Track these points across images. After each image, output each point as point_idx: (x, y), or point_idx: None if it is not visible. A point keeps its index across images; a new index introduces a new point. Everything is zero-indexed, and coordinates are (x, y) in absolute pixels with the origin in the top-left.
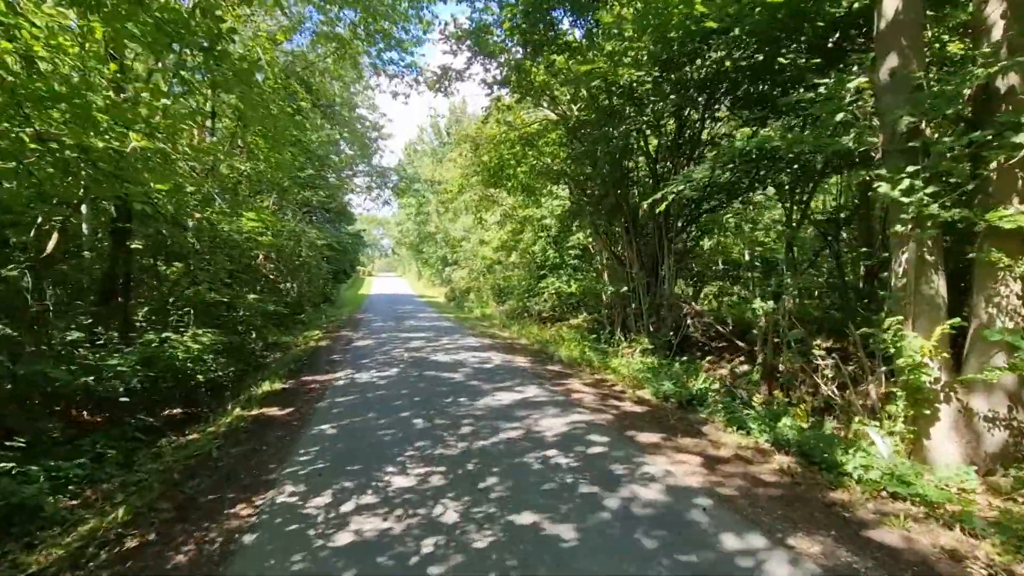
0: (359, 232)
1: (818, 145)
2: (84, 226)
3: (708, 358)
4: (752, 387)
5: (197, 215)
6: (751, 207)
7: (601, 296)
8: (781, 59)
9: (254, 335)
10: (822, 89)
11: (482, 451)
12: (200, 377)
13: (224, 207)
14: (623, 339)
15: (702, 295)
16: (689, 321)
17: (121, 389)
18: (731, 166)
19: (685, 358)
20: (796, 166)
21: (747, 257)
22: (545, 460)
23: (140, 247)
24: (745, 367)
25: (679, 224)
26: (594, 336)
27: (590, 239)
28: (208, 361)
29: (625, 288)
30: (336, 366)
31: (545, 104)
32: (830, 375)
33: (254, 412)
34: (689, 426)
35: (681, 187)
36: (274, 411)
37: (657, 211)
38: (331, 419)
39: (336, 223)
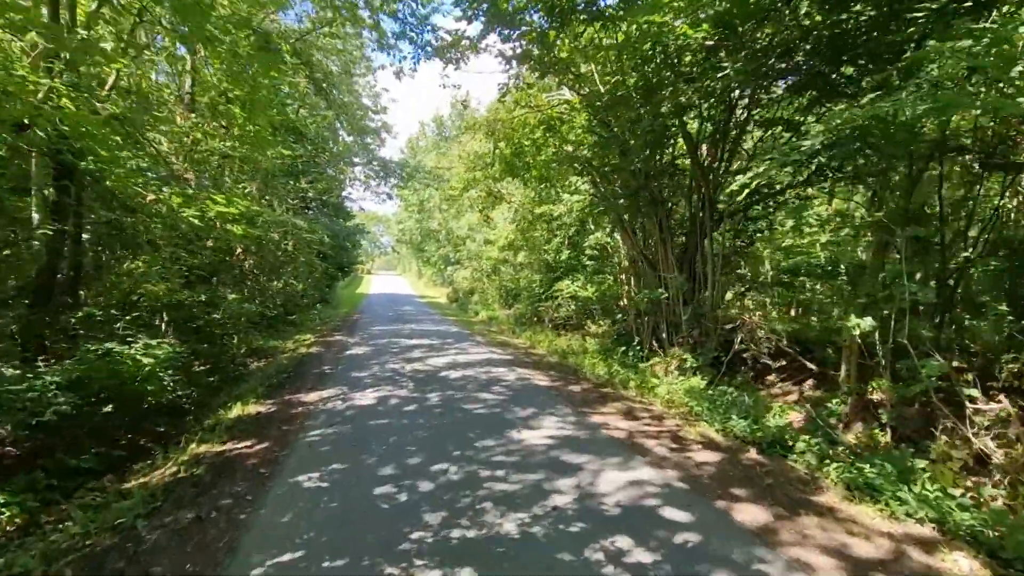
0: (358, 226)
1: (994, 106)
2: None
3: (765, 379)
4: (831, 416)
5: (151, 196)
6: (806, 201)
7: (621, 302)
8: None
9: (236, 340)
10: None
11: (525, 537)
12: (152, 400)
13: (190, 189)
14: (657, 353)
15: (749, 304)
16: (741, 335)
17: (33, 422)
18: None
19: (738, 379)
20: (911, 147)
21: (794, 263)
22: (617, 558)
23: (88, 236)
24: (816, 392)
25: (734, 220)
26: (622, 348)
27: (609, 239)
28: (165, 379)
29: (659, 293)
30: (326, 381)
31: (569, 84)
32: (985, 423)
33: (216, 448)
34: (793, 488)
35: (776, 165)
36: (241, 447)
37: (736, 198)
38: (312, 464)
39: (333, 218)
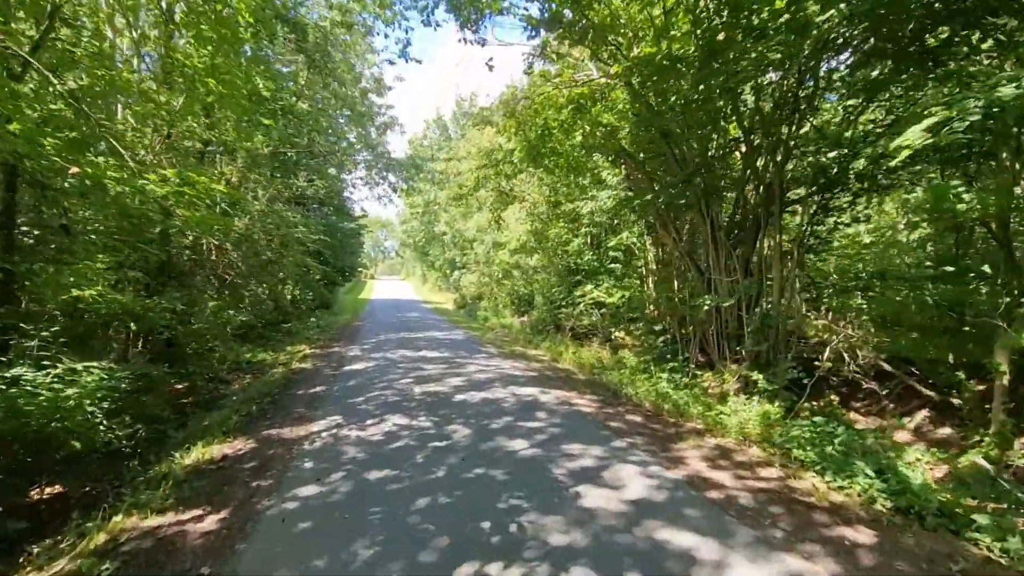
0: (360, 224)
1: None
2: None
3: (853, 406)
4: (974, 454)
5: (75, 168)
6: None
7: (648, 309)
8: None
9: (217, 354)
10: None
11: None
12: (77, 443)
13: (127, 161)
14: (707, 369)
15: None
16: (827, 351)
17: None
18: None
19: (821, 405)
20: None
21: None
22: None
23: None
24: (936, 426)
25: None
26: (669, 366)
27: (637, 239)
28: (97, 414)
29: (720, 300)
30: (318, 407)
31: (604, 56)
32: None
33: (149, 521)
34: None
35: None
36: (186, 520)
37: (893, 160)
38: (282, 559)
39: (332, 218)
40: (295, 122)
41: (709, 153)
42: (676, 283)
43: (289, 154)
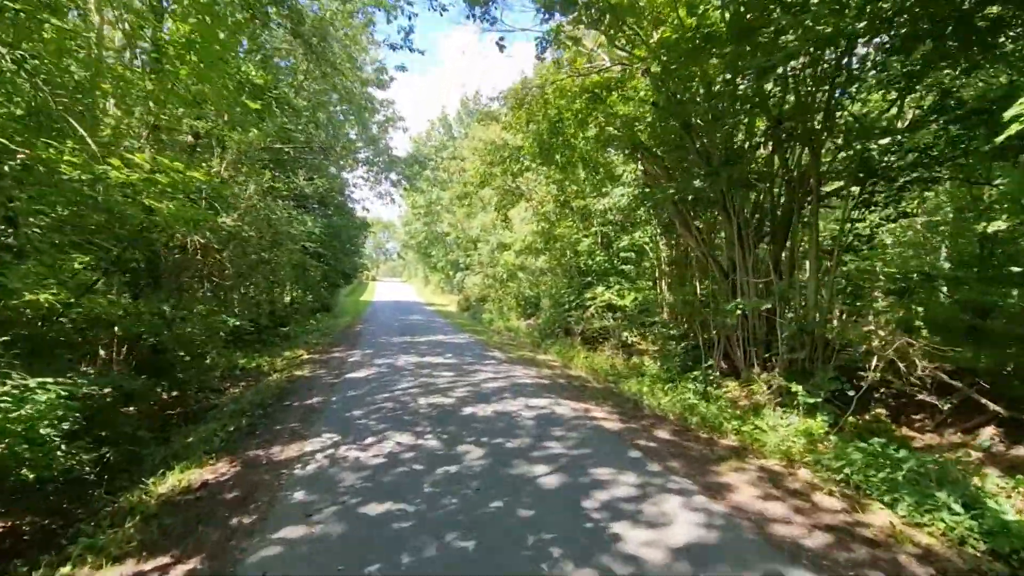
0: (361, 225)
1: None
2: None
3: (905, 421)
4: None
5: (23, 152)
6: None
7: (662, 313)
8: None
9: (208, 361)
10: None
11: None
12: (29, 473)
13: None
14: (733, 378)
15: (863, 316)
16: (875, 360)
17: None
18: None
19: (865, 419)
20: None
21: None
22: None
23: None
24: (1008, 444)
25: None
26: (694, 374)
27: (650, 239)
28: (50, 437)
29: (757, 304)
30: (312, 421)
31: (622, 42)
32: None
33: (104, 573)
34: None
35: None
36: (148, 573)
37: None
38: None
39: (332, 217)
40: (292, 115)
41: (735, 144)
42: (697, 284)
43: (286, 149)
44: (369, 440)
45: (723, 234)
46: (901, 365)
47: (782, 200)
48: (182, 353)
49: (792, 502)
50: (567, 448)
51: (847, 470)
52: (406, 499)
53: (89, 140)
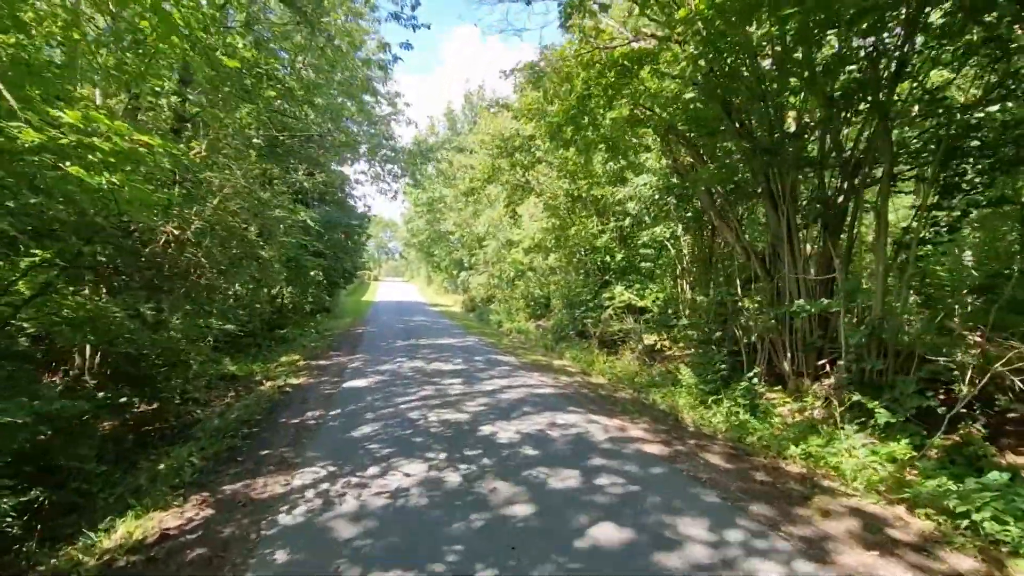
0: (363, 224)
1: None
2: None
3: (1000, 444)
4: None
5: None
6: None
7: (684, 311)
8: None
9: (193, 368)
10: None
11: None
12: None
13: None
14: (779, 387)
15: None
16: (970, 373)
17: None
18: None
19: (958, 440)
20: None
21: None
22: None
23: None
24: None
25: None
26: (742, 385)
27: (671, 234)
28: None
29: (822, 305)
30: (304, 443)
31: (655, 10)
32: None
33: None
34: None
35: None
36: None
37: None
38: None
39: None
40: (285, 94)
41: (784, 125)
42: (737, 283)
43: (281, 137)
44: (371, 471)
45: (768, 226)
46: (1016, 380)
47: (838, 186)
48: (160, 362)
49: (918, 561)
50: (615, 484)
51: (979, 516)
52: (422, 567)
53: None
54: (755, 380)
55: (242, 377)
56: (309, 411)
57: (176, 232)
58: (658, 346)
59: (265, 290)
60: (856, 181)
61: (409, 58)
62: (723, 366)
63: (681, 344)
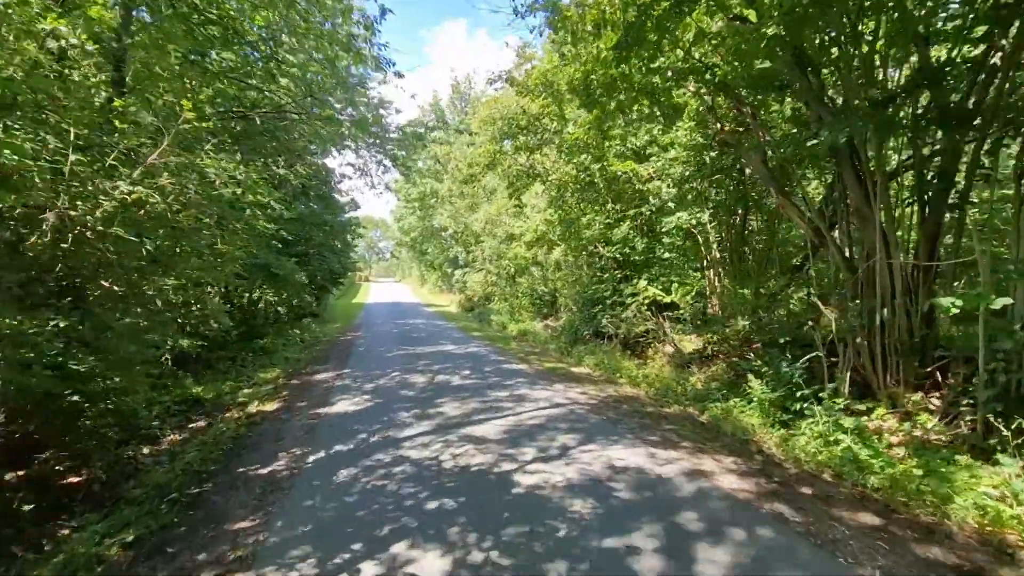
0: (352, 222)
1: None
2: None
3: None
4: None
5: None
6: None
7: (710, 310)
8: None
9: (134, 397)
10: None
11: None
12: None
13: None
14: (865, 399)
15: None
16: None
17: None
18: None
19: None
20: None
21: None
22: None
23: None
24: None
25: None
26: (843, 405)
27: (696, 221)
28: None
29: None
30: (271, 516)
31: None
32: None
33: None
34: None
35: None
36: None
37: None
38: None
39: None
40: (250, 50)
41: (877, 78)
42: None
43: (251, 115)
44: (368, 573)
45: (847, 201)
46: None
47: (943, 147)
48: (77, 397)
49: None
50: (717, 561)
51: None
52: None
53: None
54: (841, 392)
55: (209, 400)
56: (282, 453)
57: (73, 214)
58: (693, 348)
59: (218, 298)
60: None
61: (395, 60)
62: (796, 375)
63: (716, 344)
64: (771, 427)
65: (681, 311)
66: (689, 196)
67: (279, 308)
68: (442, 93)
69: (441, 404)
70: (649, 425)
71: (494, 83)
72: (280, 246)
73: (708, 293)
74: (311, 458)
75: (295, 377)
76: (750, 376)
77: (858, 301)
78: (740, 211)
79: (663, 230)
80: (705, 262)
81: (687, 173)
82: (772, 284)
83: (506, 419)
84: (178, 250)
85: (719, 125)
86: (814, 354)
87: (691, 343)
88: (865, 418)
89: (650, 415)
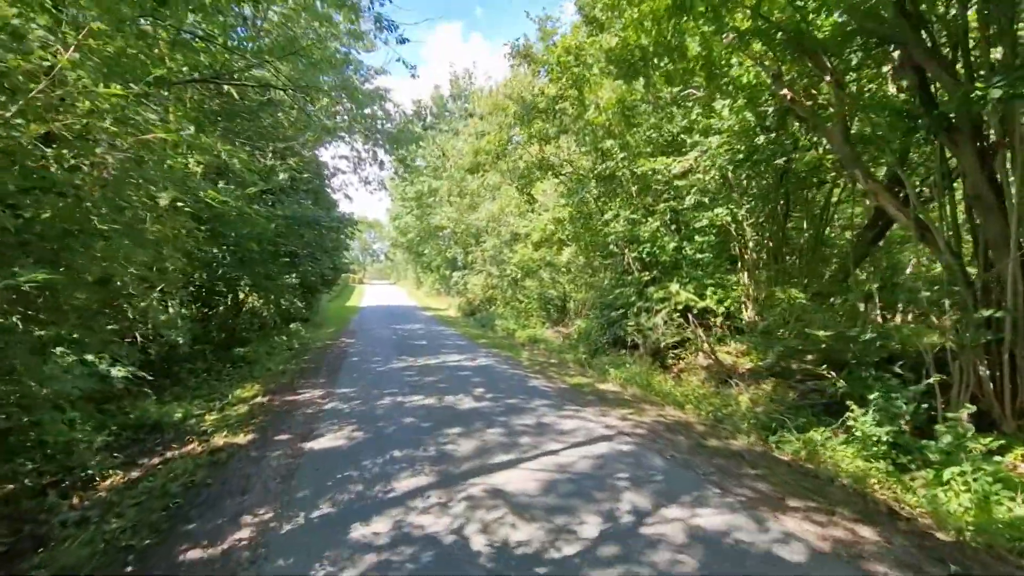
0: (347, 221)
1: None
2: None
3: None
4: None
5: None
6: None
7: (745, 316)
8: None
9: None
10: None
11: None
12: None
13: None
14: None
15: None
16: None
17: None
18: None
19: None
20: None
21: None
22: None
23: None
24: None
25: None
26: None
27: (734, 217)
28: None
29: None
30: None
31: None
32: None
33: None
34: None
35: None
36: None
37: None
38: None
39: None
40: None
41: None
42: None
43: (224, 84)
44: None
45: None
46: None
47: None
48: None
49: None
50: None
51: None
52: None
53: None
54: (965, 425)
55: (171, 425)
56: (245, 518)
57: None
58: (732, 361)
59: (176, 303)
60: None
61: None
62: (905, 403)
63: (754, 357)
64: (887, 474)
65: (719, 318)
66: (732, 187)
67: (264, 313)
68: (442, 91)
69: (455, 438)
70: (728, 468)
71: (511, 60)
72: (271, 248)
73: (744, 298)
74: (285, 527)
75: (277, 395)
76: (854, 407)
77: (981, 311)
78: (782, 203)
79: (695, 227)
80: (740, 263)
81: (738, 159)
82: (852, 291)
83: (542, 461)
84: (75, 229)
85: (785, 94)
86: (936, 377)
87: (728, 355)
88: (998, 458)
89: (719, 451)
